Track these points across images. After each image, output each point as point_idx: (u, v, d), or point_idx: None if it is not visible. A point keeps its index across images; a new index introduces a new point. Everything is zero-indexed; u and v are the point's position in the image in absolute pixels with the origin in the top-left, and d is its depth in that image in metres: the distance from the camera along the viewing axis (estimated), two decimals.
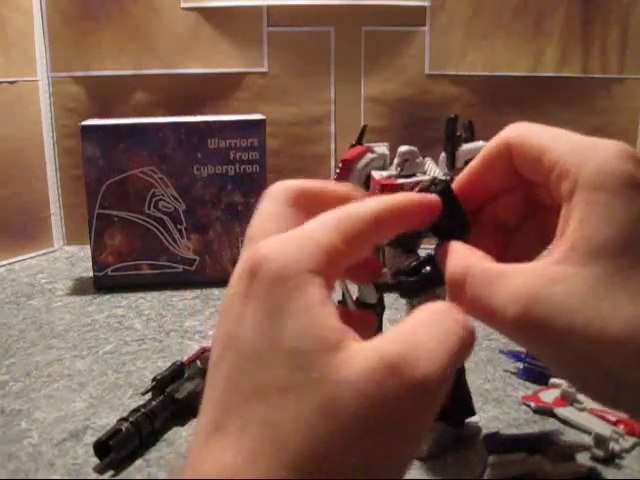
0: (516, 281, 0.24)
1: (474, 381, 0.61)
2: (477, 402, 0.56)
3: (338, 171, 0.60)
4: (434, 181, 0.33)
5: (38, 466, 0.51)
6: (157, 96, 1.09)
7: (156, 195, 0.90)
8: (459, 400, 0.50)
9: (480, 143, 0.39)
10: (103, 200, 0.89)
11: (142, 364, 0.68)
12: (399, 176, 0.51)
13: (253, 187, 0.91)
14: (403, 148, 0.51)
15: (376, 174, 0.53)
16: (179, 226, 0.91)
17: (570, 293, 0.22)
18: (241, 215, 0.93)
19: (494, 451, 0.47)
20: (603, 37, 1.05)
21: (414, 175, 0.50)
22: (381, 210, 0.25)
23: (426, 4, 1.05)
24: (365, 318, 0.29)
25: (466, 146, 0.40)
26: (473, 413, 0.51)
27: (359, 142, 0.60)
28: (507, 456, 0.46)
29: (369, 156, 0.57)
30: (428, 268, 0.29)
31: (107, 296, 0.88)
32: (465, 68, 1.07)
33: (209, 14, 1.07)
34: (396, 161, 0.52)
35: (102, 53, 1.07)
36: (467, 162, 0.40)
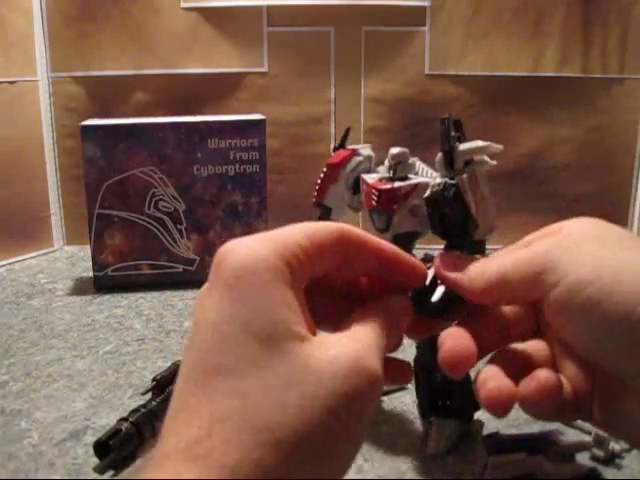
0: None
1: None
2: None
3: (323, 175, 0.59)
4: (445, 185, 0.34)
5: (38, 466, 0.51)
6: (157, 96, 1.09)
7: (156, 195, 0.90)
8: (468, 395, 0.50)
9: (480, 143, 0.38)
10: (103, 200, 0.89)
11: (142, 364, 0.68)
12: (393, 179, 0.49)
13: (253, 187, 0.91)
14: (395, 150, 0.50)
15: (368, 177, 0.52)
16: (179, 226, 0.91)
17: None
18: (241, 215, 0.93)
19: (494, 451, 0.47)
20: (603, 37, 1.05)
21: (407, 177, 0.49)
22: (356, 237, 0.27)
23: (426, 4, 1.05)
24: (401, 367, 0.31)
25: (464, 146, 0.39)
26: (479, 407, 0.51)
27: (342, 145, 0.60)
28: (507, 456, 0.46)
29: (356, 159, 0.57)
30: (442, 288, 0.30)
31: (107, 296, 0.88)
32: (465, 68, 1.07)
33: (209, 14, 1.07)
34: (387, 163, 0.52)
35: (102, 53, 1.07)
36: (467, 163, 0.38)
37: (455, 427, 0.51)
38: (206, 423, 0.21)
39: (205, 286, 0.25)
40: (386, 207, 0.47)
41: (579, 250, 0.26)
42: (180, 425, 0.22)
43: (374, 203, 0.48)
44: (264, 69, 1.09)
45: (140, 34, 1.07)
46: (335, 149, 0.61)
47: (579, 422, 0.52)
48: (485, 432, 0.51)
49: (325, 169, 0.60)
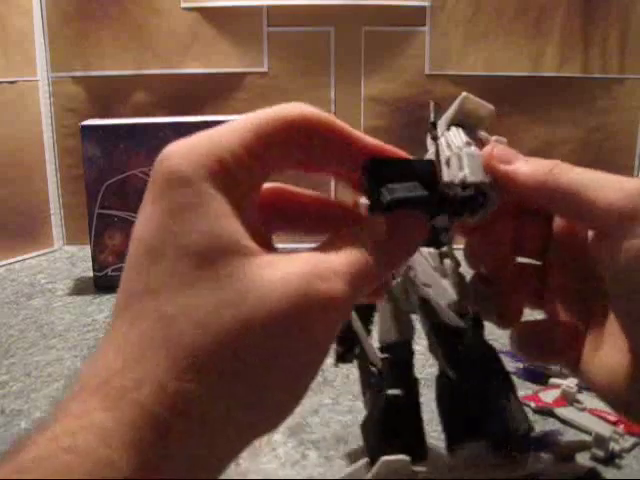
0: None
1: None
2: None
3: None
4: (464, 184, 0.29)
5: None
6: (157, 96, 1.09)
7: None
8: (506, 410, 0.39)
9: (456, 101, 0.34)
10: (103, 200, 0.89)
11: None
12: None
13: None
14: None
15: None
16: None
17: None
18: None
19: (495, 451, 0.47)
20: (603, 37, 1.05)
21: None
22: (296, 116, 0.23)
23: (426, 4, 1.05)
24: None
25: (444, 115, 0.34)
26: (532, 428, 0.40)
27: None
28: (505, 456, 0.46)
29: None
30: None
31: (107, 296, 0.88)
32: (465, 68, 1.07)
33: (209, 14, 1.07)
34: None
35: (102, 53, 1.07)
36: (448, 128, 0.33)
37: (490, 456, 0.39)
38: (122, 355, 0.19)
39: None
40: None
41: None
42: (99, 357, 0.19)
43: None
44: (264, 69, 1.09)
45: (140, 34, 1.07)
46: None
47: (579, 422, 0.52)
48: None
49: None
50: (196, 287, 0.19)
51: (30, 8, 1.03)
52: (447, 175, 0.30)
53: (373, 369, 0.43)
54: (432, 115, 0.33)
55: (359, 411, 0.53)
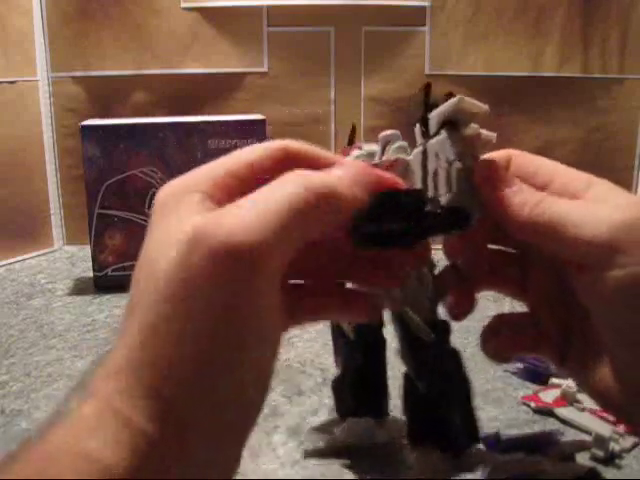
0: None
1: (474, 381, 0.61)
2: (477, 402, 0.56)
3: None
4: (451, 208, 0.29)
5: None
6: (157, 96, 1.09)
7: None
8: (460, 426, 0.44)
9: (452, 100, 0.33)
10: (103, 200, 0.89)
11: None
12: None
13: None
14: (384, 132, 0.46)
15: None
16: None
17: None
18: None
19: (494, 451, 0.47)
20: (603, 37, 1.05)
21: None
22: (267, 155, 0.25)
23: (426, 4, 1.05)
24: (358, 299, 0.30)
25: (437, 109, 0.34)
26: (477, 441, 0.46)
27: (350, 143, 0.58)
28: (506, 456, 0.46)
29: (355, 153, 0.53)
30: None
31: (107, 296, 0.88)
32: (465, 68, 1.07)
33: (209, 14, 1.07)
34: (378, 147, 0.47)
35: (102, 53, 1.07)
36: (441, 126, 0.33)
37: (439, 461, 0.45)
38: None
39: None
40: None
41: None
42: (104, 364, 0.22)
43: None
44: (264, 69, 1.09)
45: (140, 34, 1.07)
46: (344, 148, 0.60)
47: (579, 422, 0.52)
48: (485, 432, 0.51)
49: None
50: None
51: (30, 8, 1.03)
52: (433, 191, 0.30)
53: (345, 333, 0.47)
54: (422, 105, 0.34)
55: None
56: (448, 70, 1.07)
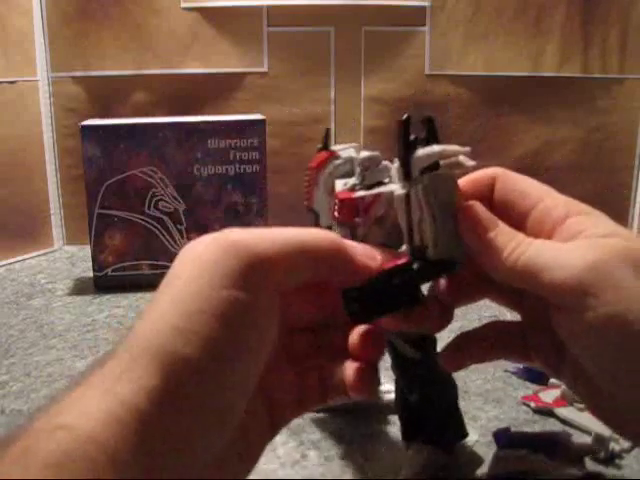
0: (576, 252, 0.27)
1: (474, 381, 0.61)
2: (477, 402, 0.56)
3: (307, 178, 0.54)
4: (437, 260, 0.31)
5: None
6: (157, 96, 1.09)
7: (156, 195, 0.90)
8: (448, 422, 0.47)
9: (435, 148, 0.33)
10: (103, 200, 0.89)
11: None
12: (360, 187, 0.43)
13: (253, 187, 0.91)
14: (363, 154, 0.44)
15: (339, 183, 0.46)
16: (179, 226, 0.91)
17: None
18: (241, 215, 0.93)
19: (504, 446, 0.47)
20: (603, 37, 1.05)
21: (376, 185, 0.42)
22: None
23: (426, 4, 1.05)
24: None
25: (420, 152, 0.34)
26: (465, 435, 0.48)
27: (325, 147, 0.55)
28: (508, 451, 0.46)
29: (334, 163, 0.50)
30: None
31: (107, 296, 0.88)
32: (465, 68, 1.07)
33: (209, 14, 1.07)
34: (357, 170, 0.45)
35: (102, 53, 1.07)
36: (424, 171, 0.33)
37: (431, 455, 0.46)
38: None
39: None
40: (347, 218, 0.41)
41: (621, 278, 0.26)
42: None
43: (336, 214, 0.43)
44: (264, 69, 1.09)
45: (140, 34, 1.07)
46: (319, 150, 0.57)
47: (579, 422, 0.52)
48: (496, 428, 0.51)
49: (307, 172, 0.56)
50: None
51: (30, 8, 1.03)
52: (418, 239, 0.32)
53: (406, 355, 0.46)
54: (409, 134, 0.35)
55: (359, 411, 0.53)
56: (448, 70, 1.07)
